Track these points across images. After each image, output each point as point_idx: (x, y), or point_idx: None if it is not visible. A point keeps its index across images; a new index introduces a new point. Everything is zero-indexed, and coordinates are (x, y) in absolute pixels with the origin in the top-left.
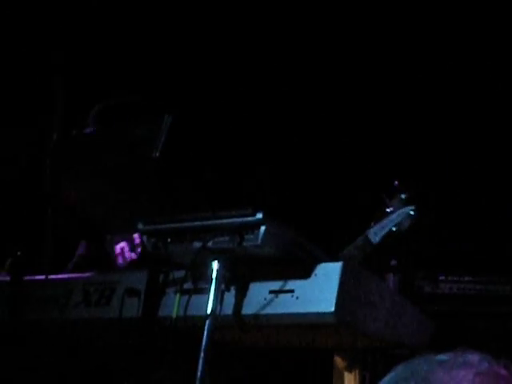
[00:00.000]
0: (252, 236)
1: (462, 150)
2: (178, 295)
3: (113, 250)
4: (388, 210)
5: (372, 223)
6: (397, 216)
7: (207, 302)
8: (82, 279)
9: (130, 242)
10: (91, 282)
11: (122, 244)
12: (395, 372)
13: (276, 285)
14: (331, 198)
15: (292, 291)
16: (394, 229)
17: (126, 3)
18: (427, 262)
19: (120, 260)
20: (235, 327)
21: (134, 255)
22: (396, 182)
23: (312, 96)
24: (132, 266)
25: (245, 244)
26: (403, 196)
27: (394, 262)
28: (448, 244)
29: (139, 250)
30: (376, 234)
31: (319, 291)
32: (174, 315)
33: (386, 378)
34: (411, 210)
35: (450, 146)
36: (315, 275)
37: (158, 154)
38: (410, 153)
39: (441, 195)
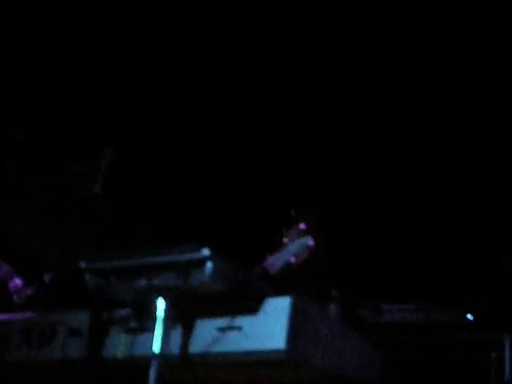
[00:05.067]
0: (199, 272)
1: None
2: (122, 334)
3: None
4: (284, 240)
5: (268, 254)
6: (294, 247)
7: (153, 341)
8: (22, 319)
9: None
10: (31, 321)
11: (16, 281)
12: None
13: (224, 322)
14: (229, 229)
15: (240, 328)
16: (291, 260)
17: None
18: (369, 291)
19: (16, 298)
20: (183, 366)
21: (29, 292)
22: (292, 212)
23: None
24: (29, 303)
25: (191, 281)
26: (300, 226)
27: (335, 292)
28: (390, 272)
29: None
30: (273, 264)
31: (269, 327)
32: (119, 355)
33: None
34: (308, 240)
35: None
36: (264, 311)
37: (99, 189)
38: (306, 182)
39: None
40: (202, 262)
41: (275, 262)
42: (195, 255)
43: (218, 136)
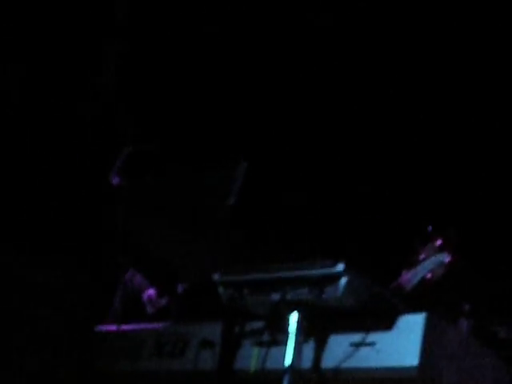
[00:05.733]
0: (332, 288)
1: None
2: (255, 347)
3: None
4: (420, 256)
5: (404, 270)
6: (430, 263)
7: (286, 355)
8: (155, 330)
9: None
10: (164, 332)
11: (150, 292)
12: None
13: (357, 337)
14: (364, 244)
15: (373, 344)
16: (427, 276)
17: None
18: (503, 306)
19: (149, 309)
20: (315, 381)
21: (162, 302)
22: (429, 229)
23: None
24: (162, 313)
25: (325, 296)
26: (436, 242)
27: (467, 306)
28: None
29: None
30: (409, 281)
31: (402, 344)
32: (251, 368)
33: None
34: (444, 256)
35: (484, 188)
36: (397, 327)
37: (233, 201)
38: (445, 198)
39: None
40: (336, 277)
41: (411, 278)
42: (330, 270)
43: (355, 151)
